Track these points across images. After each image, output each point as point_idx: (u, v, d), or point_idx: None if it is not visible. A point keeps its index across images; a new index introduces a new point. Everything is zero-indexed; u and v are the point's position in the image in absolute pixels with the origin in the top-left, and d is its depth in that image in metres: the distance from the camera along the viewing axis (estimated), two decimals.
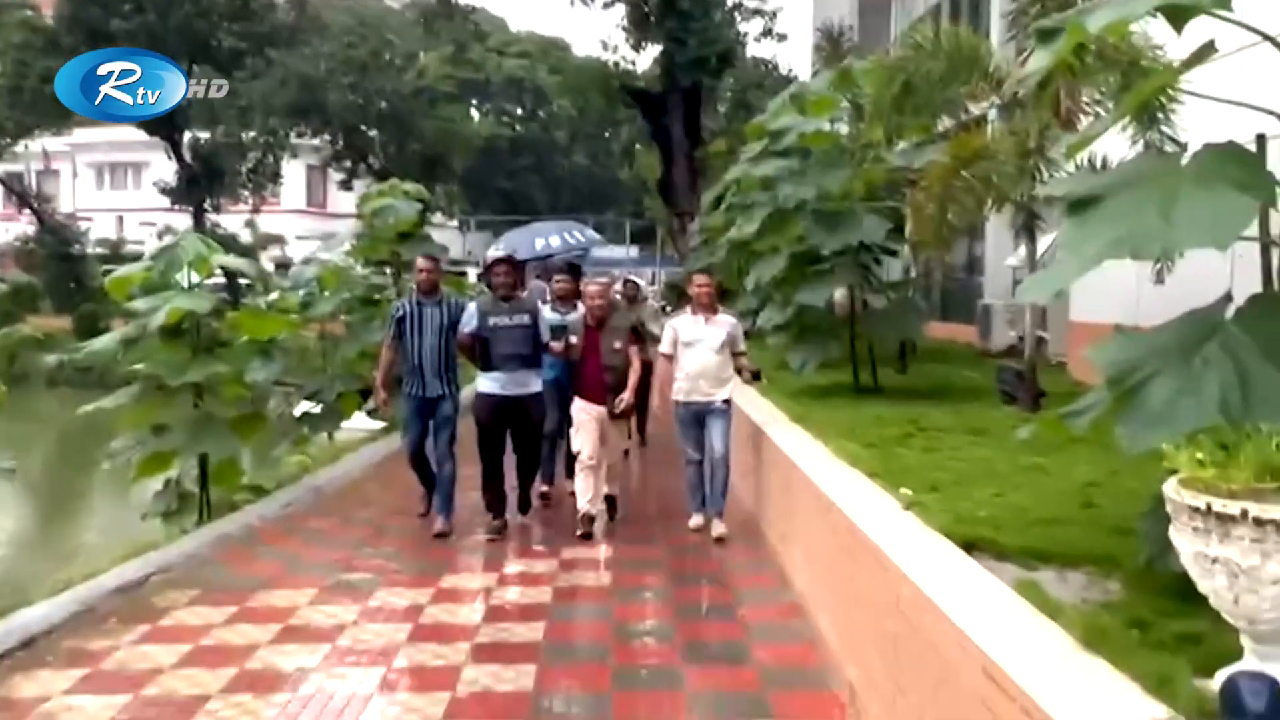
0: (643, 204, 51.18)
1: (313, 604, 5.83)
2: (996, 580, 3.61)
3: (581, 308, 8.00)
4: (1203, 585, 2.57)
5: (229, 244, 34.12)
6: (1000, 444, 6.43)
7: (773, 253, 10.34)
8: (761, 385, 10.33)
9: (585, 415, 7.43)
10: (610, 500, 7.75)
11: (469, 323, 7.37)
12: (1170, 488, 2.61)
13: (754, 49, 36.38)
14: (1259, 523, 2.39)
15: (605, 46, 31.18)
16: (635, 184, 52.90)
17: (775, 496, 7.02)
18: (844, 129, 10.40)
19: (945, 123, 10.25)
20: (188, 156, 38.31)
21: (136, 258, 39.25)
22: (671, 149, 28.51)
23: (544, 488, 8.45)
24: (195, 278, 8.61)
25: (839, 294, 10.11)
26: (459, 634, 5.40)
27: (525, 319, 7.37)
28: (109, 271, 34.78)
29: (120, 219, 52.85)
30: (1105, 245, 3.06)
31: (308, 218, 52.64)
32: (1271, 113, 3.44)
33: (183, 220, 41.11)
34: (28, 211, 43.98)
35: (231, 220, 42.93)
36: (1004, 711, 2.74)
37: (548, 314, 7.95)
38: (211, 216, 38.80)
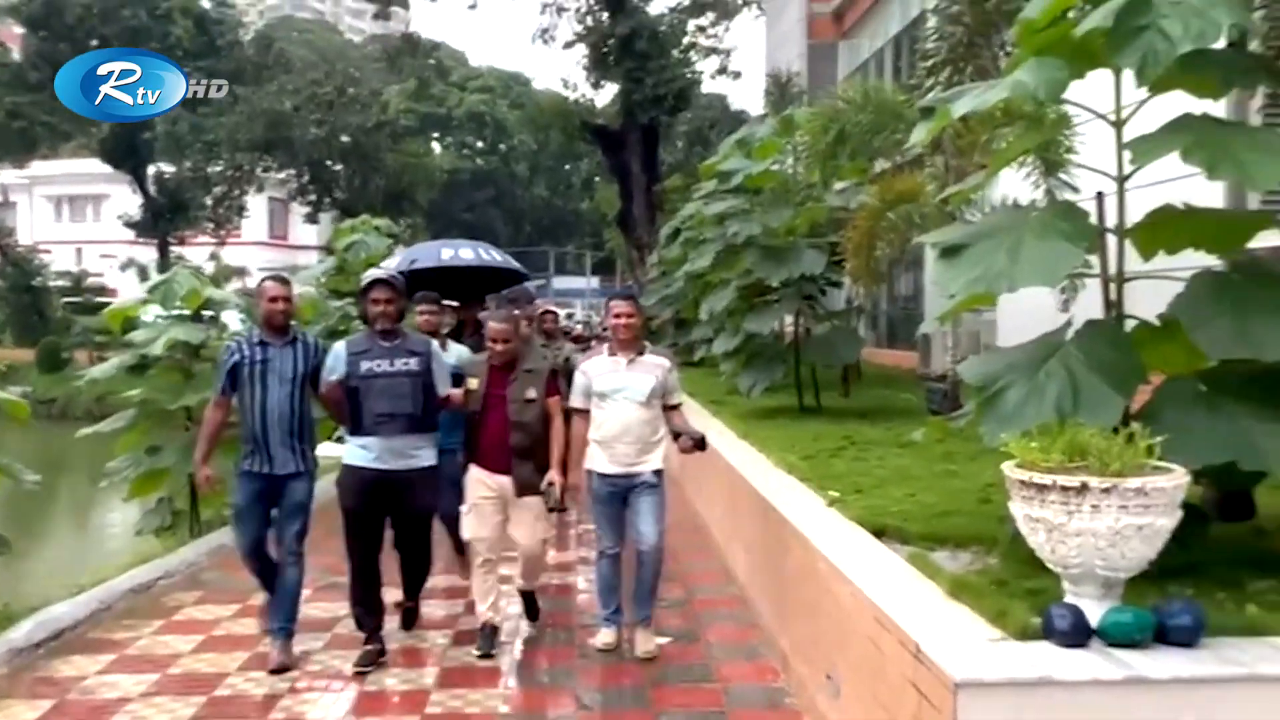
0: (602, 236, 52.10)
1: (309, 601, 6.46)
2: (893, 555, 4.41)
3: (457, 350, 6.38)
4: (1031, 541, 3.38)
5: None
6: (921, 454, 7.24)
7: (723, 285, 11.19)
8: (713, 408, 11.17)
9: (483, 490, 5.53)
10: (528, 598, 5.98)
11: (334, 368, 5.39)
12: (1006, 468, 3.42)
13: (710, 85, 37.62)
14: (1064, 489, 3.19)
15: (565, 85, 32.25)
16: (595, 216, 53.89)
17: (720, 503, 7.79)
18: (792, 168, 11.32)
19: (884, 164, 11.18)
20: (152, 190, 38.70)
21: (98, 290, 39.40)
22: (630, 183, 29.47)
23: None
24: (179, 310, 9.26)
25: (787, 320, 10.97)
26: (437, 624, 6.09)
27: (412, 364, 5.40)
28: (71, 304, 34.94)
29: (79, 251, 52.99)
30: (965, 283, 3.91)
31: (269, 249, 53.09)
32: (1106, 174, 4.30)
33: (145, 253, 41.46)
34: None
35: (194, 252, 43.36)
36: (885, 644, 3.53)
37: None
38: (176, 249, 39.17)
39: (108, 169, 41.15)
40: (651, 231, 26.75)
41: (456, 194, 53.01)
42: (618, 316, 5.60)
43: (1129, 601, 3.30)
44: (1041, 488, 3.25)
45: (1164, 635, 3.16)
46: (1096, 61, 3.97)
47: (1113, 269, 4.36)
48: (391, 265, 7.32)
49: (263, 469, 5.38)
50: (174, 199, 38.00)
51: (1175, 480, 3.22)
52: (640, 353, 5.62)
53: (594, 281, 54.46)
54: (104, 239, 50.77)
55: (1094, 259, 4.52)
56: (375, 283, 5.53)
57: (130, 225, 39.56)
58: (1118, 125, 4.19)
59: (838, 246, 10.36)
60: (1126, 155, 4.01)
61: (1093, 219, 4.20)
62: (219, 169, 35.87)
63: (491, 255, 9.33)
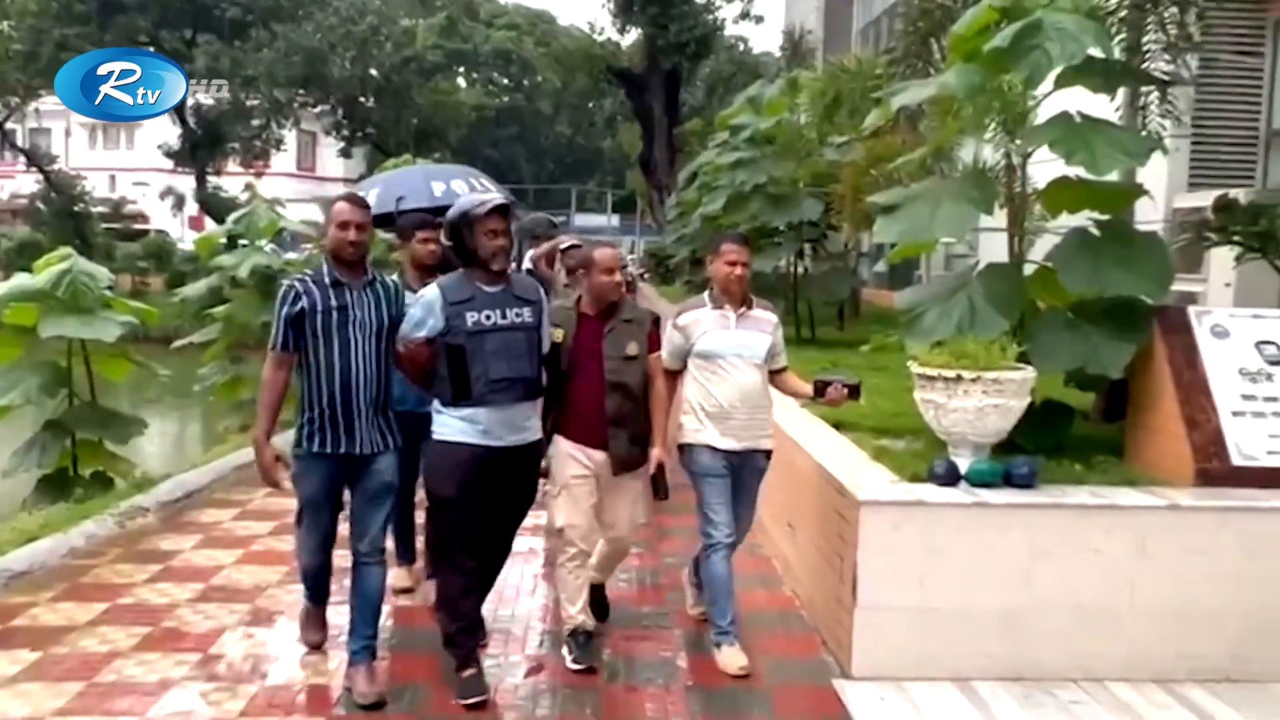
0: (624, 175, 53.15)
1: None
2: (842, 438, 5.86)
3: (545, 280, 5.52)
4: (925, 416, 4.81)
5: (232, 207, 36.05)
6: (893, 375, 8.63)
7: (733, 227, 12.54)
8: None
9: (576, 468, 4.55)
10: (598, 591, 4.97)
11: (424, 321, 4.23)
12: (910, 365, 4.83)
13: (732, 29, 38.55)
14: (945, 379, 4.61)
15: (592, 29, 33.29)
16: (617, 155, 54.92)
17: None
18: (797, 125, 12.61)
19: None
20: (191, 121, 40.02)
21: (134, 217, 40.60)
22: (652, 126, 30.67)
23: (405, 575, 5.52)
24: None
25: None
26: None
27: (526, 314, 4.31)
28: (110, 230, 36.28)
29: (112, 178, 54.45)
30: (898, 234, 5.30)
31: (298, 181, 54.45)
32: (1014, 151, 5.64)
33: (181, 182, 42.86)
34: (23, 168, 45.39)
35: (227, 183, 44.77)
36: (823, 490, 4.98)
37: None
38: (212, 179, 40.59)
39: None
40: (671, 173, 27.97)
41: (481, 130, 54.06)
42: (731, 264, 4.65)
43: (994, 460, 4.72)
44: (930, 378, 4.68)
45: (1010, 480, 4.59)
46: (1005, 68, 5.30)
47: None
48: (369, 199, 5.38)
49: (338, 449, 4.16)
50: (212, 130, 39.35)
51: (1024, 375, 4.64)
52: (750, 305, 4.75)
53: (615, 220, 55.59)
54: (136, 167, 52.23)
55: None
56: (496, 209, 4.25)
57: (170, 155, 40.96)
58: (1022, 115, 5.52)
59: (832, 196, 11.71)
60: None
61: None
62: (257, 102, 37.17)
63: (485, 186, 7.79)
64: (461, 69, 55.22)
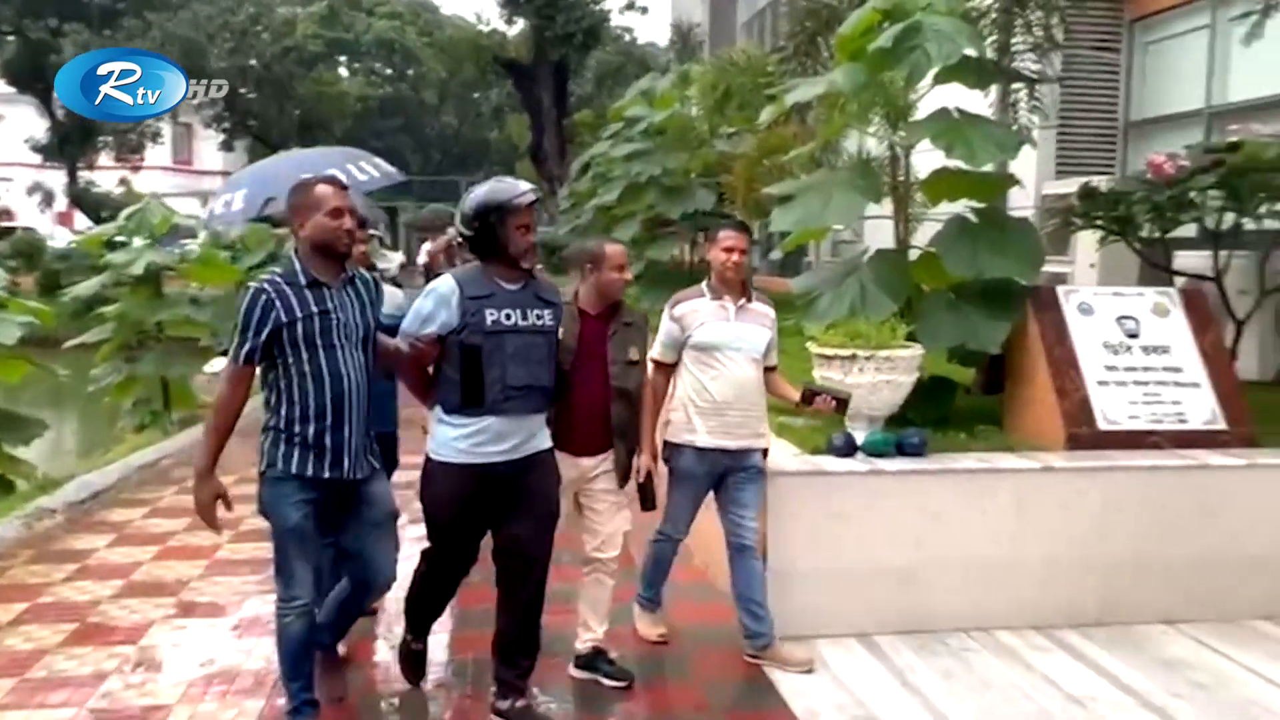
0: (513, 165, 52.91)
1: None
2: None
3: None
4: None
5: (106, 202, 34.82)
6: (791, 357, 8.99)
7: (629, 217, 12.85)
8: None
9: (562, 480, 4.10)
10: (594, 659, 4.38)
11: (435, 313, 3.75)
12: (809, 345, 5.18)
13: (618, 20, 38.84)
14: (842, 358, 4.96)
15: (479, 20, 33.19)
16: (505, 146, 54.62)
17: None
18: (689, 116, 12.96)
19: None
20: (60, 114, 38.39)
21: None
22: (541, 117, 30.75)
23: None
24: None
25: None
26: None
27: (546, 317, 3.88)
28: None
29: None
30: (792, 223, 5.64)
31: (175, 174, 52.65)
32: (898, 144, 6.03)
33: (50, 177, 41.12)
34: None
35: (100, 177, 43.04)
36: None
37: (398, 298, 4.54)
38: (85, 174, 39.03)
39: (6, 90, 40.58)
40: (562, 164, 28.11)
41: (365, 122, 53.11)
42: (728, 250, 4.43)
43: (887, 432, 5.10)
44: (828, 357, 5.03)
45: (903, 449, 4.97)
46: (887, 67, 5.68)
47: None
48: (235, 202, 5.23)
49: (325, 472, 3.58)
50: (83, 124, 37.78)
51: (912, 352, 5.03)
52: (750, 298, 4.52)
53: None
54: None
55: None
56: (534, 201, 3.85)
57: (37, 149, 39.25)
58: (904, 110, 5.92)
59: (724, 187, 12.10)
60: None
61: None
62: None
63: (369, 172, 6.70)
64: (343, 58, 54.12)
